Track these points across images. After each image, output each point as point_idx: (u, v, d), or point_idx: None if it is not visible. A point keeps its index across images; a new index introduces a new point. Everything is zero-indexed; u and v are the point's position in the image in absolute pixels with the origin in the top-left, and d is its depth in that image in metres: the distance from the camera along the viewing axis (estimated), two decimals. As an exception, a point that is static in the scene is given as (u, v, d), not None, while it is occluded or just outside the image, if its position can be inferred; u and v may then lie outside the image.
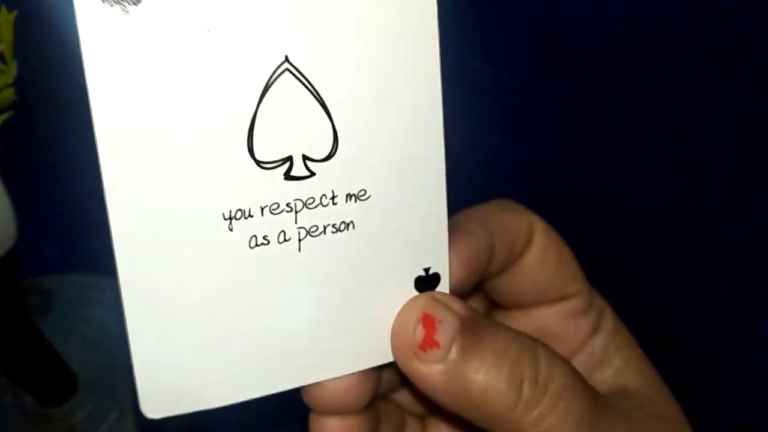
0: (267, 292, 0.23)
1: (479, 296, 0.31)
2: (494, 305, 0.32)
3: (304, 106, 0.22)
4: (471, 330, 0.24)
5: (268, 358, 0.23)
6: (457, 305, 0.25)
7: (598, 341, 0.30)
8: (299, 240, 0.23)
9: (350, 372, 0.25)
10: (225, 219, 0.21)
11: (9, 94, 0.54)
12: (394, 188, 0.24)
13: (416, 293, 0.25)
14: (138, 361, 0.22)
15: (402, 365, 0.25)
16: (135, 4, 0.19)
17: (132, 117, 0.20)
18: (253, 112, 0.21)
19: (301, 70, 0.21)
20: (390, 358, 0.25)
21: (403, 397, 0.30)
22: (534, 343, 0.25)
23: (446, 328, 0.24)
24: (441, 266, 0.25)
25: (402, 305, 0.25)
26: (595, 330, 0.30)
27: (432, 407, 0.30)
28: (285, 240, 0.22)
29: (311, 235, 0.23)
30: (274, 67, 0.21)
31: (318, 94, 0.22)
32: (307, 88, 0.22)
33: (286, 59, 0.21)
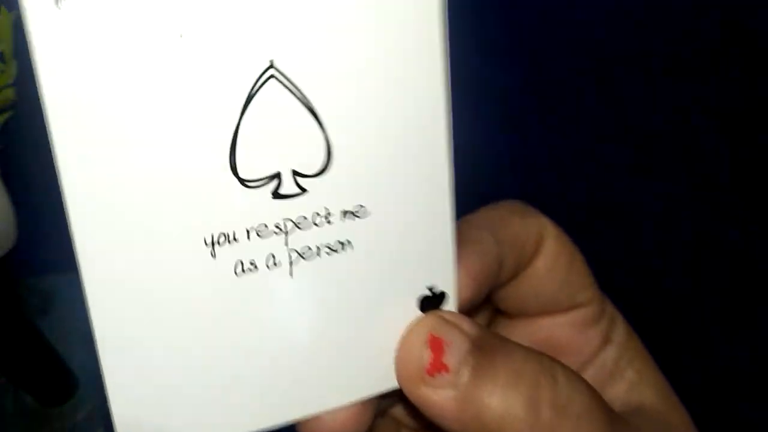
0: (256, 323, 0.21)
1: (482, 305, 0.29)
2: (497, 312, 0.30)
3: (293, 117, 0.19)
4: (482, 351, 0.22)
5: (259, 391, 0.21)
6: (466, 325, 0.23)
7: (610, 353, 0.28)
8: (290, 264, 0.20)
9: (351, 401, 0.23)
10: (207, 245, 0.19)
11: (9, 94, 0.53)
12: (395, 203, 0.21)
13: (421, 314, 0.23)
14: (115, 402, 0.20)
15: (408, 392, 0.23)
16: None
17: (96, 135, 0.18)
18: (235, 126, 0.19)
19: (289, 76, 0.19)
20: (394, 385, 0.23)
21: (399, 411, 0.29)
22: (552, 363, 0.23)
23: (456, 350, 0.22)
24: (447, 284, 0.23)
25: (406, 328, 0.23)
26: (606, 341, 0.28)
27: (427, 422, 0.29)
28: (275, 264, 0.20)
29: (304, 258, 0.21)
30: (258, 74, 0.19)
31: (308, 102, 0.20)
32: (295, 96, 0.19)
33: (272, 65, 0.19)
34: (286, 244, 0.20)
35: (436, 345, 0.22)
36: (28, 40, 0.17)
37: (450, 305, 0.23)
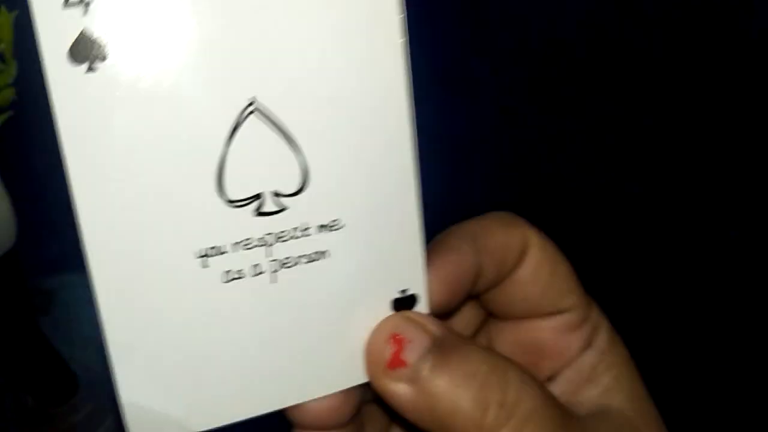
0: (244, 322, 0.23)
1: (474, 306, 0.31)
2: (490, 315, 0.31)
3: (272, 144, 0.22)
4: (442, 350, 0.24)
5: (249, 382, 0.24)
6: (431, 325, 0.25)
7: (588, 358, 0.29)
8: (273, 272, 0.23)
9: (329, 392, 0.25)
10: (198, 257, 0.22)
11: (9, 94, 0.54)
12: (368, 215, 0.24)
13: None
14: (124, 390, 0.22)
15: (373, 383, 0.25)
16: (102, 60, 0.20)
17: (103, 165, 0.21)
18: (221, 154, 0.22)
19: (269, 110, 0.22)
20: (366, 379, 0.25)
21: None
22: (505, 365, 0.25)
23: (415, 347, 0.24)
24: (418, 287, 0.25)
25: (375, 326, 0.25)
26: (586, 346, 0.29)
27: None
28: (259, 273, 0.23)
29: (285, 267, 0.23)
30: (241, 110, 0.22)
31: (287, 130, 0.22)
32: (275, 127, 0.22)
33: (253, 101, 0.22)
34: (269, 255, 0.23)
35: (397, 341, 0.24)
36: (49, 94, 0.19)
37: (422, 307, 0.26)
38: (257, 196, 0.22)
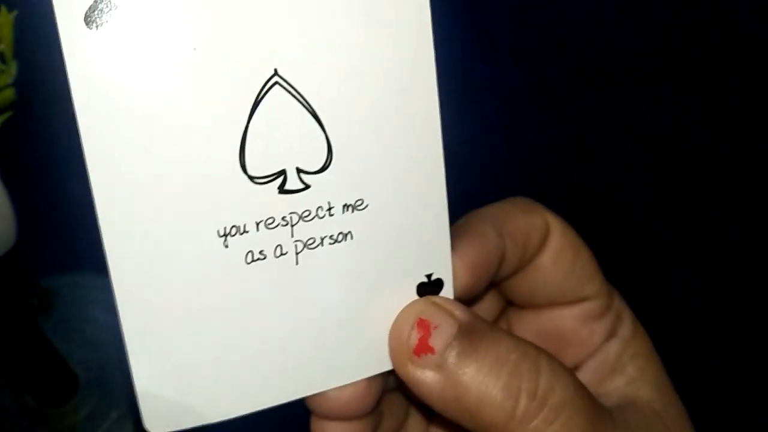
0: (266, 306, 0.22)
1: (494, 294, 0.30)
2: (510, 303, 0.31)
3: (296, 119, 0.21)
4: (470, 336, 0.23)
5: (269, 370, 0.23)
6: (458, 310, 0.24)
7: (613, 347, 0.29)
8: (296, 253, 0.22)
9: (352, 381, 0.24)
10: (220, 236, 0.21)
11: (9, 94, 0.53)
12: (393, 196, 0.23)
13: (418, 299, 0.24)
14: (139, 378, 0.22)
15: (397, 370, 0.24)
16: (110, 22, 0.19)
17: (121, 138, 0.20)
18: (243, 128, 0.21)
19: (292, 83, 0.21)
20: (391, 366, 0.25)
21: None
22: (537, 353, 0.24)
23: (442, 333, 0.23)
24: (444, 272, 0.25)
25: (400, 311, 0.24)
26: (610, 335, 0.29)
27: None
28: (282, 254, 0.22)
29: (308, 248, 0.22)
30: (264, 81, 0.21)
31: (310, 105, 0.21)
32: (298, 100, 0.21)
33: (276, 73, 0.21)
34: (292, 235, 0.22)
35: (424, 327, 0.23)
36: (62, 56, 0.19)
37: (447, 292, 0.25)
38: (281, 173, 0.22)
